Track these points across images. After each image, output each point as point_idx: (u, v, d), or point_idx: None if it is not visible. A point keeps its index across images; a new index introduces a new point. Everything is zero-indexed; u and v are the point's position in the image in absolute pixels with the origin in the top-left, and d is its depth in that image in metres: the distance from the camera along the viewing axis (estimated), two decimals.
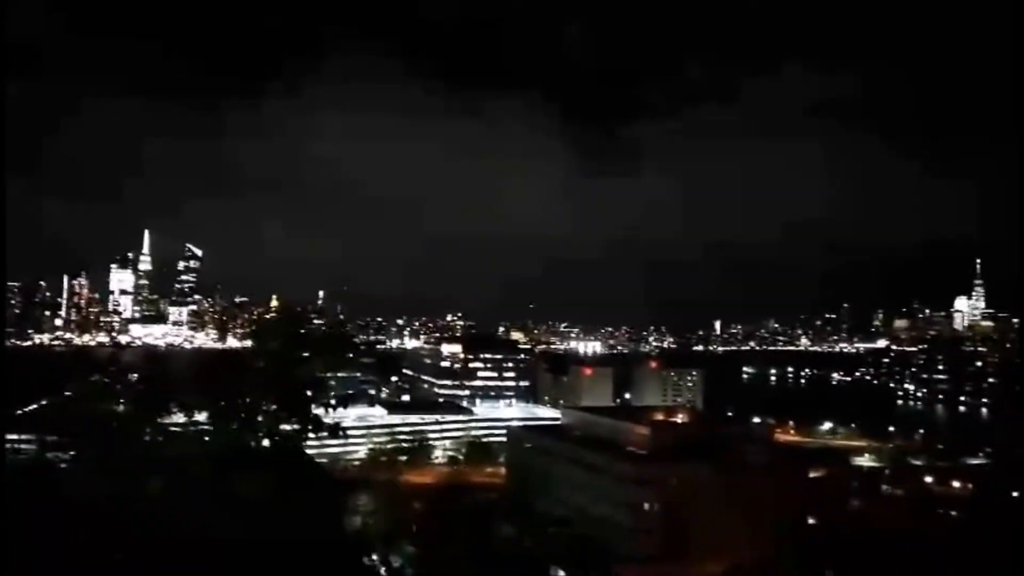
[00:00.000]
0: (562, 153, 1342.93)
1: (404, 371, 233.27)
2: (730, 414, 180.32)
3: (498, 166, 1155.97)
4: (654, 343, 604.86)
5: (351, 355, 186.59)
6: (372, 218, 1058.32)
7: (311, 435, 16.24)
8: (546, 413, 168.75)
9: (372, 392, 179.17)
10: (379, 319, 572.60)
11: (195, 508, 13.74)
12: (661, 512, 79.45)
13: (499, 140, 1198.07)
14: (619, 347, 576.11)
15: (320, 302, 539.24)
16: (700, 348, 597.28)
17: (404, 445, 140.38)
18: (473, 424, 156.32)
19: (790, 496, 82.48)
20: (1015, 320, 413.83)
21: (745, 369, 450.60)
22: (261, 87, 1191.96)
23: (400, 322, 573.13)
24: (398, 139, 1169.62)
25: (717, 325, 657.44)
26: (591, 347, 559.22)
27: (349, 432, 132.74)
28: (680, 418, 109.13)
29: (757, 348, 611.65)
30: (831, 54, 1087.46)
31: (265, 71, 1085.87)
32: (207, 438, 16.13)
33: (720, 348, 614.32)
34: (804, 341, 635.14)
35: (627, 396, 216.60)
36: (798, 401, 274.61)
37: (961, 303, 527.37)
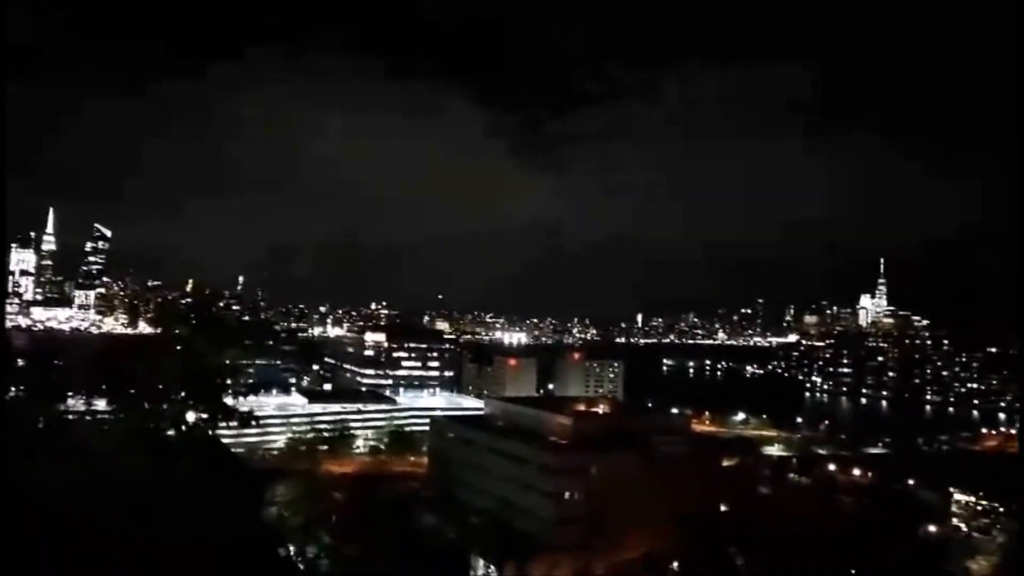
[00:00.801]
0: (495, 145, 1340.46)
1: (326, 359, 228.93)
2: (650, 405, 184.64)
3: (425, 155, 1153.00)
4: (578, 334, 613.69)
5: (270, 342, 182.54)
6: (302, 206, 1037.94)
7: (221, 424, 15.47)
8: (470, 403, 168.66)
9: (292, 380, 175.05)
10: (301, 306, 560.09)
11: (93, 499, 12.90)
12: (582, 501, 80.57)
13: (422, 128, 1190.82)
14: (544, 338, 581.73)
15: (240, 288, 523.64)
16: (622, 340, 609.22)
17: (325, 434, 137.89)
18: (396, 413, 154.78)
19: (705, 485, 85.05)
20: (915, 318, 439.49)
21: (665, 361, 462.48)
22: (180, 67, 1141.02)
23: (323, 309, 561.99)
24: (323, 128, 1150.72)
25: (639, 318, 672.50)
26: (516, 338, 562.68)
27: (268, 421, 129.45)
28: (601, 409, 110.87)
29: (677, 341, 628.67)
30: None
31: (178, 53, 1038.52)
32: (106, 427, 15.16)
33: (641, 340, 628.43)
34: (721, 335, 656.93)
35: (550, 387, 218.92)
36: (714, 392, 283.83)
37: (865, 301, 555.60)
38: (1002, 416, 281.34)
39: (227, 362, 15.87)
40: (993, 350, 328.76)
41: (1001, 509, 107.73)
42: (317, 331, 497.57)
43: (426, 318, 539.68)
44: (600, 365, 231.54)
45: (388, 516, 68.22)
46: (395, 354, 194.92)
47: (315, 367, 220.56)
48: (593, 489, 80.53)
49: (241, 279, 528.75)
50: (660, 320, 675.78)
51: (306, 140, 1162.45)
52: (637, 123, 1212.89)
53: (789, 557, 63.56)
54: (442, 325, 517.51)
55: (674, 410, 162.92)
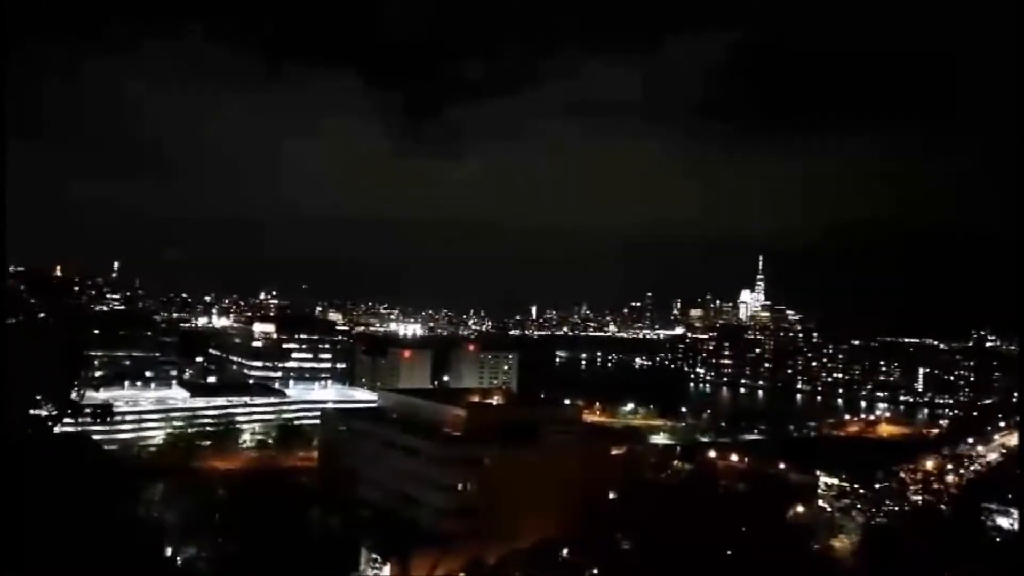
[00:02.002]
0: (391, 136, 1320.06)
1: (211, 351, 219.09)
2: (543, 396, 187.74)
3: (316, 143, 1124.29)
4: (473, 326, 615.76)
5: (148, 333, 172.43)
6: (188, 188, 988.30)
7: (71, 419, 14.34)
8: (363, 395, 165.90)
9: (173, 373, 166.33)
10: (184, 295, 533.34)
11: None
12: (475, 492, 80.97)
13: (315, 116, 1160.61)
14: (439, 330, 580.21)
15: (115, 274, 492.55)
16: (517, 332, 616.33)
17: (208, 429, 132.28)
18: (285, 407, 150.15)
19: (595, 473, 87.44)
20: (789, 312, 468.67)
21: (558, 353, 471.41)
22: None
23: (208, 299, 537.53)
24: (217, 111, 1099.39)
25: (533, 310, 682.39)
26: (411, 329, 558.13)
27: (145, 416, 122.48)
28: (495, 400, 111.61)
29: (570, 333, 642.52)
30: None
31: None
32: None
33: (536, 332, 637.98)
34: (612, 327, 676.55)
35: (445, 378, 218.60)
36: (605, 384, 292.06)
37: (746, 295, 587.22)
38: (863, 403, 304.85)
39: (87, 353, 14.71)
40: (856, 343, 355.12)
41: (861, 491, 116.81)
42: (202, 321, 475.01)
43: (318, 309, 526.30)
44: (495, 357, 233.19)
45: (275, 512, 66.14)
46: (285, 346, 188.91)
47: (198, 359, 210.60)
48: (486, 480, 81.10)
49: (116, 265, 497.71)
50: (554, 313, 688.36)
51: (197, 125, 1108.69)
52: (530, 113, 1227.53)
53: (671, 540, 66.36)
54: (335, 316, 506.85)
55: (566, 401, 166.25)
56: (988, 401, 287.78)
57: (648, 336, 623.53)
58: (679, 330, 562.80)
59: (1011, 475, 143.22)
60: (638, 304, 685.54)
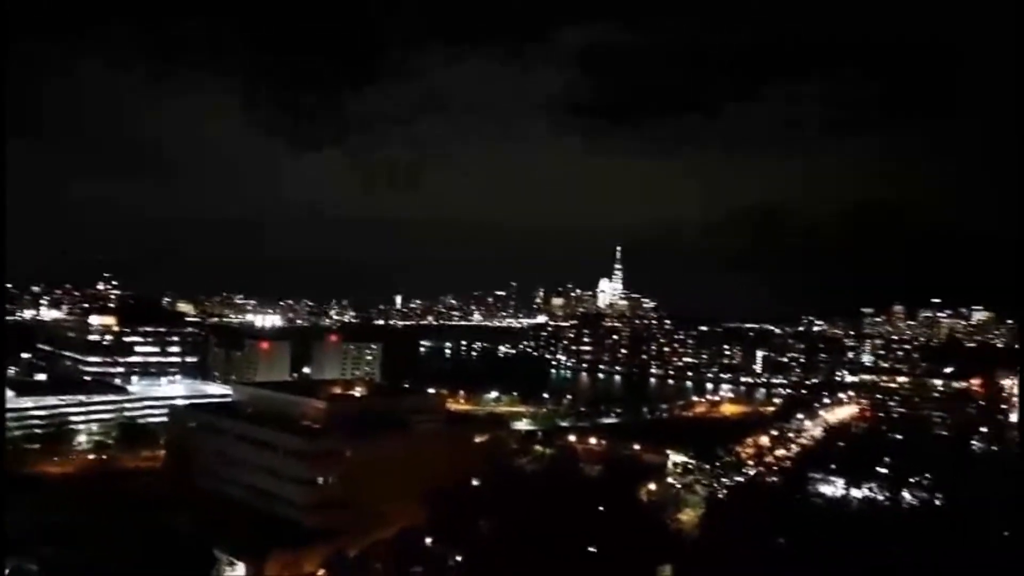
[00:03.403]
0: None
1: (40, 346, 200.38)
2: (407, 386, 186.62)
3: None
4: (335, 316, 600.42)
5: None
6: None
7: None
8: (216, 390, 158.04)
9: None
10: (9, 285, 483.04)
11: None
12: (337, 485, 79.61)
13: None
14: (299, 320, 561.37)
15: None
16: (381, 322, 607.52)
17: (37, 432, 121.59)
18: (128, 404, 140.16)
19: (459, 461, 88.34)
20: (644, 300, 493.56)
21: (423, 342, 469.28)
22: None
23: (36, 289, 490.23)
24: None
25: (398, 300, 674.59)
26: (269, 320, 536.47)
27: None
28: (357, 391, 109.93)
29: (435, 323, 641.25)
30: None
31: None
32: None
33: (400, 322, 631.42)
34: (477, 316, 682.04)
35: (306, 370, 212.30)
36: (469, 372, 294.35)
37: (604, 284, 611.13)
38: (710, 385, 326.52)
39: None
40: (704, 329, 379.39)
41: (705, 466, 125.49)
42: (28, 314, 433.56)
43: (166, 299, 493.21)
44: (357, 348, 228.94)
45: (114, 517, 61.85)
46: (127, 339, 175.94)
47: (25, 355, 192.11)
48: (349, 472, 79.99)
49: None
50: (419, 302, 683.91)
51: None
52: (407, 104, 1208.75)
53: (532, 524, 68.32)
54: (185, 307, 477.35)
55: (431, 390, 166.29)
56: (815, 380, 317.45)
57: (512, 324, 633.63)
58: (541, 318, 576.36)
59: (832, 447, 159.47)
60: (503, 293, 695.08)
